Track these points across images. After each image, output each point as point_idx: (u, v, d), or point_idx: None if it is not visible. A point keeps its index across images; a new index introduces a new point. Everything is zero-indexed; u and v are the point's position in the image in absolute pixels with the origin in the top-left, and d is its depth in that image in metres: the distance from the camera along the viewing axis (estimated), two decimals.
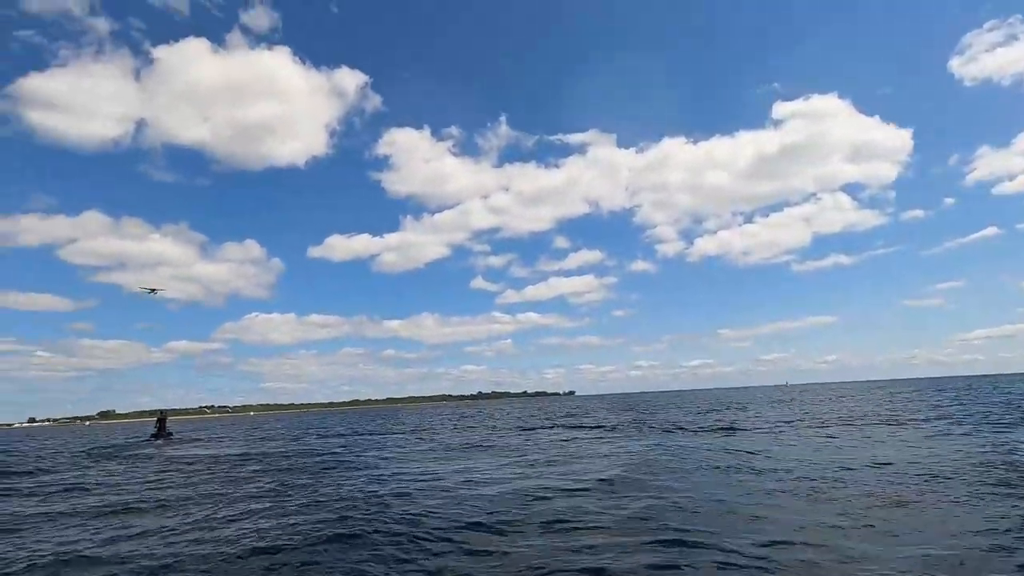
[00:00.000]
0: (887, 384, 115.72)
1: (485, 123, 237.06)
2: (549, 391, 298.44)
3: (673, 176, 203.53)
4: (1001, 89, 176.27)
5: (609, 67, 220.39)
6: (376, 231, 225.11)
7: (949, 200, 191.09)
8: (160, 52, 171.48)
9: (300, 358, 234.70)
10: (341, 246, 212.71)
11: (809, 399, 46.32)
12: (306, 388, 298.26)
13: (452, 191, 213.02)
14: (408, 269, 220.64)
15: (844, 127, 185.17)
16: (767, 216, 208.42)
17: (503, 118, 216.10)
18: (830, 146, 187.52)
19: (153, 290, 46.81)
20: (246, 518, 7.86)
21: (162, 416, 32.00)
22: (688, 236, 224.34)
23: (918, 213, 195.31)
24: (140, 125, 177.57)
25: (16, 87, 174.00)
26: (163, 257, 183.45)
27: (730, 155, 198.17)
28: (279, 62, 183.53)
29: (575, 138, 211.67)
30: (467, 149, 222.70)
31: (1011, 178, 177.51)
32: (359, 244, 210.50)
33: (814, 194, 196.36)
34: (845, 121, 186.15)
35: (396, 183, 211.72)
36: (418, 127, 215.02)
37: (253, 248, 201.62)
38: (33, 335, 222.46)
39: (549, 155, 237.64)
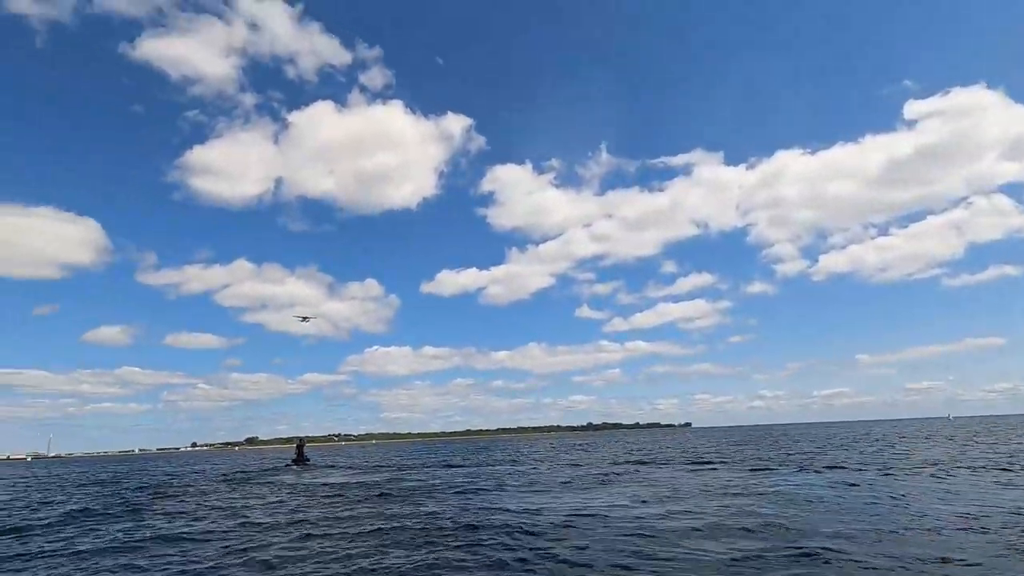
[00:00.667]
0: None
1: (585, 152, 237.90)
2: (663, 423, 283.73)
3: (790, 190, 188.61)
4: None
5: (711, 82, 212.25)
6: (483, 265, 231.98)
7: None
8: (294, 117, 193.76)
9: (415, 389, 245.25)
10: (450, 281, 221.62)
11: (991, 436, 39.10)
12: (421, 418, 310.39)
13: (555, 221, 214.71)
14: (514, 300, 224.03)
15: (998, 120, 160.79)
16: (906, 227, 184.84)
17: (603, 146, 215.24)
18: (981, 143, 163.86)
19: (305, 318, 51.23)
20: (406, 551, 7.47)
21: (300, 443, 34.14)
22: (811, 253, 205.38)
23: None
24: (278, 182, 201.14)
25: (184, 159, 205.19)
26: (297, 298, 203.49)
27: (856, 163, 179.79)
28: (393, 115, 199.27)
29: (679, 159, 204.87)
30: (568, 180, 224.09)
31: None
32: (467, 278, 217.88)
33: (964, 198, 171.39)
34: (999, 114, 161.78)
35: (500, 217, 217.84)
36: (520, 162, 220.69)
37: (373, 286, 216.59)
38: (196, 370, 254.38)
39: (652, 179, 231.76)
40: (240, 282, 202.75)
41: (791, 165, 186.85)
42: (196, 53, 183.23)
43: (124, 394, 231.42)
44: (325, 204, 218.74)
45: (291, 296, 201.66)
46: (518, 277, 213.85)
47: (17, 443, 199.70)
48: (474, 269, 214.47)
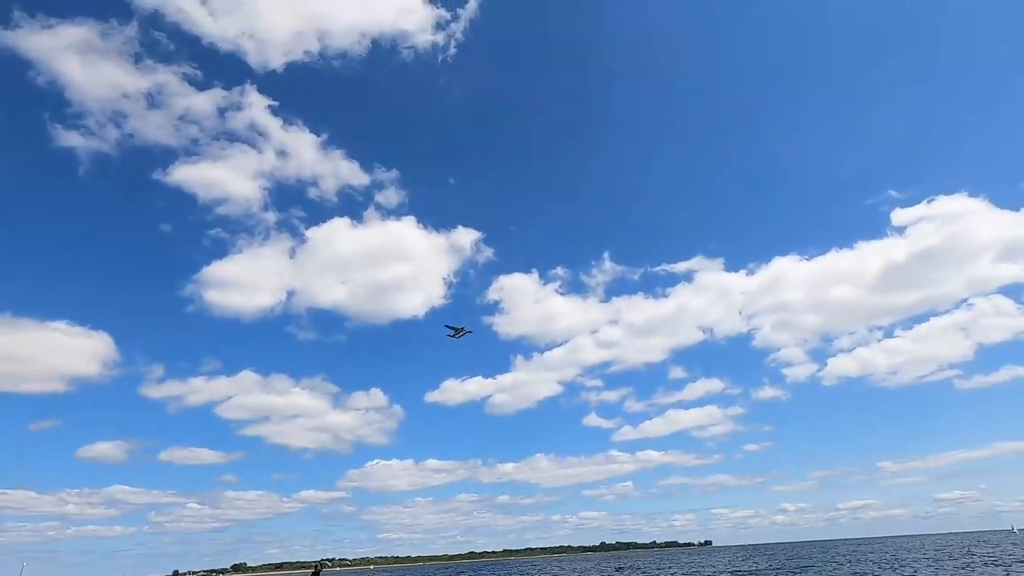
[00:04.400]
0: None
1: (589, 261, 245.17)
2: (681, 541, 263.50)
3: (792, 295, 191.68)
4: None
5: (707, 192, 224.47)
6: (488, 373, 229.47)
7: None
8: (311, 232, 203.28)
9: (417, 506, 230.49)
10: (456, 389, 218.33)
11: None
12: (422, 538, 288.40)
13: (561, 329, 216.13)
14: (520, 408, 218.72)
15: (986, 224, 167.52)
16: (911, 328, 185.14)
17: (606, 254, 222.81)
18: (974, 247, 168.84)
19: (458, 330, 42.35)
20: None
21: (317, 570, 31.03)
22: (819, 357, 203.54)
23: None
24: (291, 294, 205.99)
25: (202, 274, 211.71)
26: (301, 409, 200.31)
27: (853, 268, 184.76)
28: (406, 229, 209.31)
29: (680, 266, 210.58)
30: (574, 287, 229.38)
31: None
32: (472, 387, 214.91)
33: (965, 300, 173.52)
34: (986, 218, 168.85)
35: (507, 325, 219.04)
36: (526, 271, 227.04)
37: (378, 396, 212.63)
38: (189, 487, 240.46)
39: (656, 285, 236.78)
40: (244, 393, 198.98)
41: (790, 271, 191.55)
42: (226, 177, 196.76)
43: (110, 515, 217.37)
44: (335, 314, 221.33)
45: (295, 407, 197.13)
46: (525, 385, 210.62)
47: None
48: (480, 377, 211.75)
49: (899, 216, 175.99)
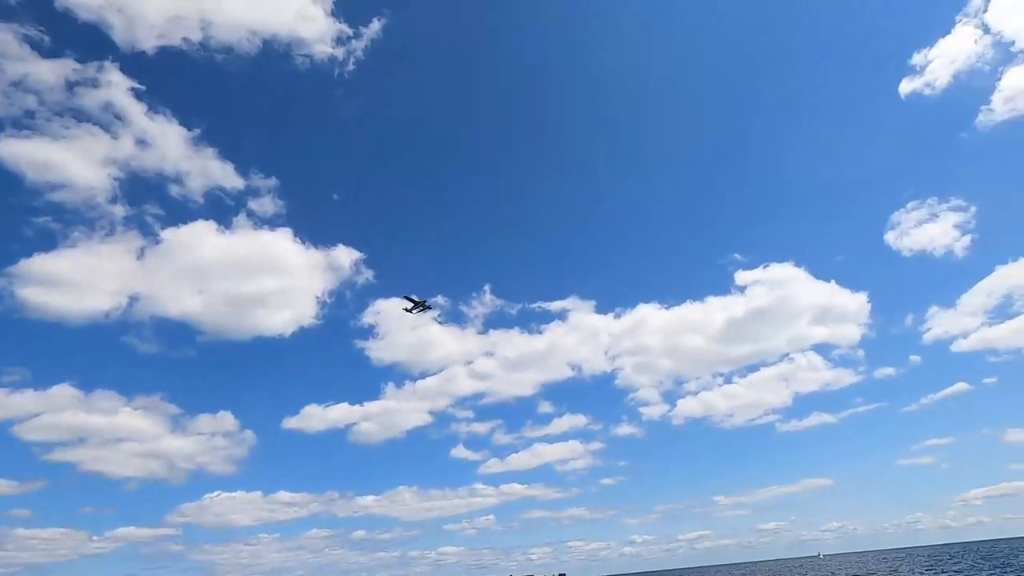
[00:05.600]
0: (903, 554, 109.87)
1: (470, 293, 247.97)
2: (537, 575, 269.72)
3: (651, 340, 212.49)
4: (935, 258, 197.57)
5: (584, 238, 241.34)
6: (356, 399, 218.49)
7: (915, 358, 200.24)
8: (167, 233, 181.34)
9: (260, 543, 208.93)
10: (318, 416, 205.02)
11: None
12: None
13: (436, 358, 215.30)
14: (387, 438, 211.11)
15: (805, 291, 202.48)
16: (746, 376, 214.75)
17: (487, 287, 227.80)
18: (796, 309, 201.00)
19: (417, 303, 35.56)
20: None
21: None
22: (671, 398, 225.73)
23: (889, 371, 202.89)
24: (133, 300, 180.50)
25: (18, 267, 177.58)
26: (130, 431, 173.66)
27: (703, 319, 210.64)
28: (279, 241, 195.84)
29: (556, 305, 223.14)
30: (453, 317, 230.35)
31: (964, 336, 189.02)
32: (336, 413, 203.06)
33: (787, 354, 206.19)
34: (804, 286, 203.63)
35: (381, 351, 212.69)
36: (405, 297, 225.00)
37: (226, 420, 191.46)
38: None
39: (532, 321, 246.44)
40: (57, 411, 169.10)
41: (651, 317, 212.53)
42: (66, 159, 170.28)
43: None
44: (186, 326, 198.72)
45: (122, 429, 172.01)
46: (394, 413, 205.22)
47: None
48: (345, 404, 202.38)
49: (741, 277, 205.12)
